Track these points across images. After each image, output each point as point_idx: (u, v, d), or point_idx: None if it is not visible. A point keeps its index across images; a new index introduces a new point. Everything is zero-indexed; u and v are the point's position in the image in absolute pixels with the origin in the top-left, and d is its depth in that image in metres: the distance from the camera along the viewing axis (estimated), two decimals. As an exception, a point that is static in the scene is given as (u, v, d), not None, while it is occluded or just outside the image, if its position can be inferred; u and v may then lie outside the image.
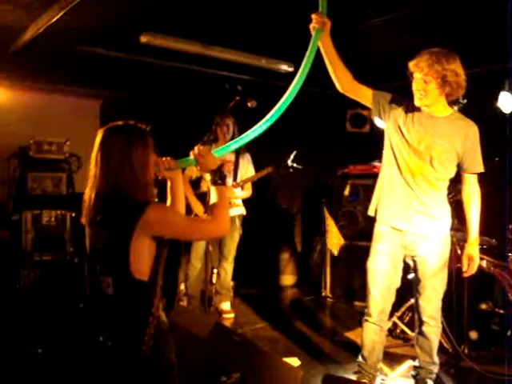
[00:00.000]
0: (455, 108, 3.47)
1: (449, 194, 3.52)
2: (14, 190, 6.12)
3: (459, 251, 4.11)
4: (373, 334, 3.52)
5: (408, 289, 3.99)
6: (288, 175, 5.29)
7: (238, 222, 5.35)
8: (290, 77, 2.97)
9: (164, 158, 2.47)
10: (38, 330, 4.55)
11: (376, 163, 5.96)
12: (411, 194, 3.36)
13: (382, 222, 3.47)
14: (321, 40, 3.11)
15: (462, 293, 3.93)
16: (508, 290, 4.10)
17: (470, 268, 3.42)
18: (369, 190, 5.90)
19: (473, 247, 3.42)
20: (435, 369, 3.57)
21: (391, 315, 4.27)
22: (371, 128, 6.47)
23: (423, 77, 3.17)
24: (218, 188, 2.44)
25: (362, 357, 3.58)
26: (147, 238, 2.18)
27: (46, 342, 4.25)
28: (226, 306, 5.41)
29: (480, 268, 3.62)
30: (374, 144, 5.66)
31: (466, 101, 3.68)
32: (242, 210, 5.38)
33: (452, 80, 3.15)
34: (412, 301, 4.44)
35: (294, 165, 4.85)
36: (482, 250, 3.62)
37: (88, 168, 2.30)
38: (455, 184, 3.51)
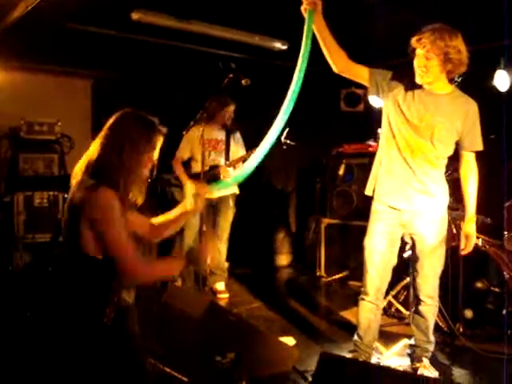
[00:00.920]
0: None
1: (445, 171, 3.49)
2: (5, 171, 6.06)
3: (454, 230, 4.11)
4: (369, 312, 3.51)
5: (403, 267, 3.99)
6: (282, 155, 5.26)
7: (231, 201, 5.32)
8: (284, 55, 2.93)
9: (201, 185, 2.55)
10: (31, 312, 4.52)
11: (371, 142, 5.94)
12: (410, 173, 3.32)
13: (380, 201, 3.44)
14: (314, 21, 3.04)
15: (457, 271, 3.92)
16: (503, 269, 4.11)
17: (467, 246, 3.41)
18: (364, 169, 5.91)
19: (470, 225, 3.41)
20: (431, 347, 3.57)
21: (386, 294, 4.26)
22: (365, 107, 6.43)
23: (425, 53, 3.12)
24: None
25: (358, 335, 3.57)
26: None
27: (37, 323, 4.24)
28: (220, 286, 5.40)
29: (475, 246, 3.62)
30: (368, 123, 5.65)
31: (461, 78, 3.63)
32: (235, 189, 5.33)
33: (454, 57, 3.11)
34: (407, 279, 4.46)
35: (288, 141, 4.81)
36: (478, 229, 3.59)
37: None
38: (452, 162, 3.48)
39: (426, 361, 3.51)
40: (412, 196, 3.35)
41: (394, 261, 3.52)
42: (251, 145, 5.27)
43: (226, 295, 5.37)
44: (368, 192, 3.52)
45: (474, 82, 3.56)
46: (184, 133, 5.03)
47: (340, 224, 5.98)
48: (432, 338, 3.57)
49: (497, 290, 4.13)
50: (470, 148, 3.37)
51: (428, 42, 3.09)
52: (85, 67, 6.67)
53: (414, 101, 3.29)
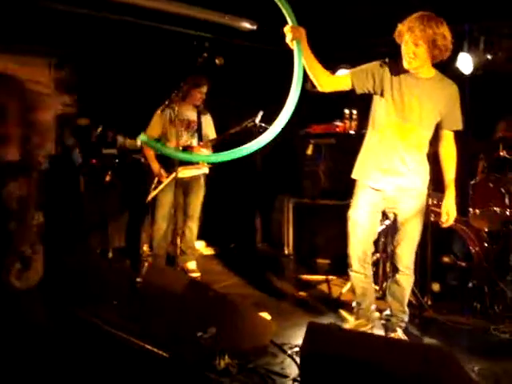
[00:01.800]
0: None
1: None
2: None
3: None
4: (359, 281, 3.68)
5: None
6: (251, 135, 5.29)
7: (202, 181, 5.35)
8: (253, 35, 2.94)
9: None
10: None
11: (337, 123, 6.03)
12: (397, 156, 3.47)
13: (365, 183, 3.58)
14: (301, 50, 3.10)
15: (425, 246, 4.07)
16: (469, 244, 4.29)
17: (448, 220, 3.59)
18: (331, 149, 6.02)
19: (450, 200, 3.58)
20: (405, 317, 3.72)
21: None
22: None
23: (414, 40, 3.23)
24: None
25: (356, 302, 3.75)
26: None
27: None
28: (191, 265, 5.43)
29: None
30: (334, 103, 5.71)
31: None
32: (205, 169, 5.36)
33: (441, 43, 3.22)
34: (377, 256, 4.61)
35: (263, 124, 4.85)
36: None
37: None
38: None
39: (399, 331, 3.66)
40: (398, 178, 3.50)
41: (376, 233, 3.71)
42: (220, 126, 5.31)
43: (198, 274, 5.37)
44: (355, 176, 3.64)
45: (438, 65, 3.67)
46: (159, 112, 5.02)
47: (308, 203, 6.07)
48: (407, 308, 3.72)
49: (463, 264, 4.31)
50: (451, 127, 3.54)
51: (418, 30, 3.19)
52: (48, 45, 6.50)
53: (400, 86, 3.41)
